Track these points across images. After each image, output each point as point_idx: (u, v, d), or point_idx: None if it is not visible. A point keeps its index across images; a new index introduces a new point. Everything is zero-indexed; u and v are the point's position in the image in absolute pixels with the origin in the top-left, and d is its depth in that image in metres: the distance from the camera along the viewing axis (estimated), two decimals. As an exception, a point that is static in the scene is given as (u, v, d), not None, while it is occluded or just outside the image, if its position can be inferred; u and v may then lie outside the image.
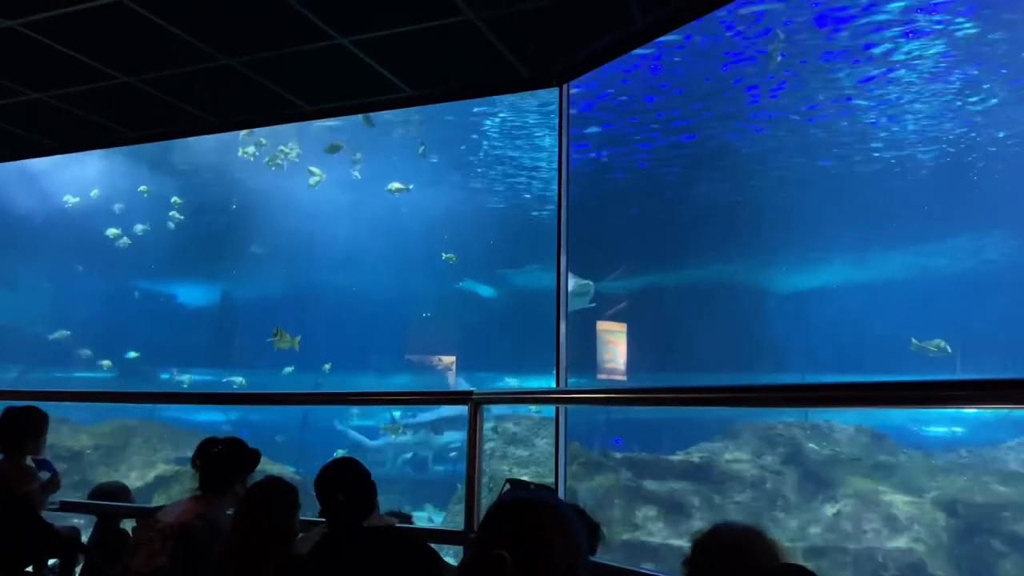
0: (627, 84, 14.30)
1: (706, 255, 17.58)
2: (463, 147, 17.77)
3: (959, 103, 14.23)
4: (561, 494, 3.50)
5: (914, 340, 13.08)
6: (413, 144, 17.07)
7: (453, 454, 18.00)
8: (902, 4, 11.63)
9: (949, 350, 12.85)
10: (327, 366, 18.55)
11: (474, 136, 17.30)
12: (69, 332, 20.00)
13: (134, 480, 12.69)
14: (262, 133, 16.50)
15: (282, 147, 16.94)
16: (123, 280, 21.50)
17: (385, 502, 3.91)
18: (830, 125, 15.26)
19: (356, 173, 17.68)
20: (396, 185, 16.94)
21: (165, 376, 21.09)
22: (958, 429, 16.14)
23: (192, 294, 23.41)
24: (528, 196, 19.92)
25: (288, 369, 18.17)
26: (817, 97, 14.30)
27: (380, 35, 3.85)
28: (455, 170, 18.80)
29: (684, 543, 2.31)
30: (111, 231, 18.68)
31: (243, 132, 15.44)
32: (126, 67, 4.37)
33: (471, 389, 3.84)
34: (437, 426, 18.20)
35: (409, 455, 18.80)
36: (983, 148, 15.35)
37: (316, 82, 4.51)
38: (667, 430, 13.77)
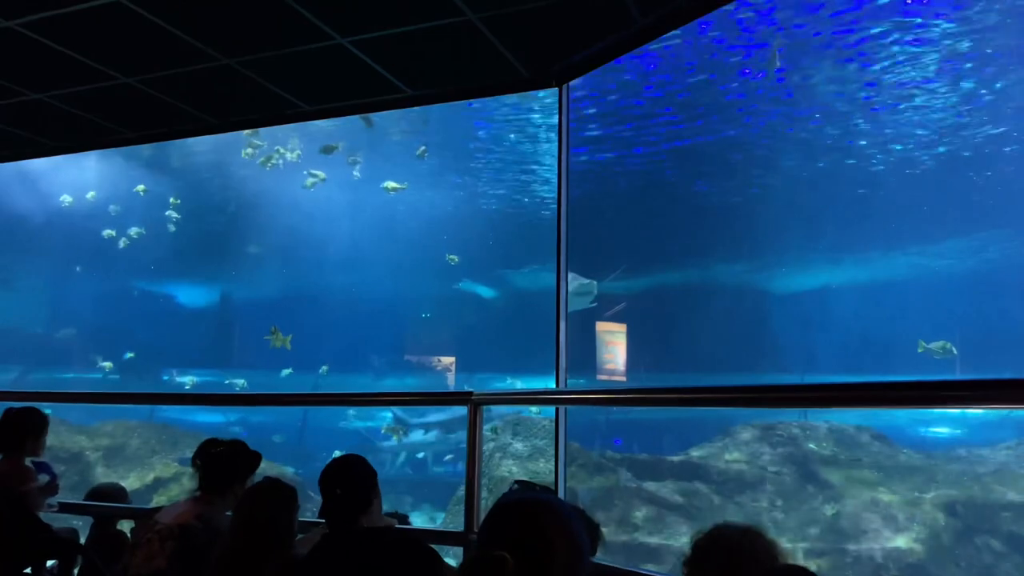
0: (627, 84, 14.29)
1: (706, 255, 17.60)
2: (462, 147, 17.77)
3: (960, 103, 14.23)
4: (561, 494, 3.50)
5: (921, 342, 13.13)
6: (412, 145, 17.07)
7: (450, 456, 18.02)
8: (903, 4, 11.64)
9: (955, 352, 12.90)
10: (324, 368, 18.57)
11: (473, 136, 17.30)
12: (69, 332, 20.00)
13: (133, 481, 12.68)
14: (260, 133, 16.50)
15: (278, 148, 16.95)
16: (122, 280, 21.51)
17: (393, 502, 3.91)
18: (831, 125, 15.26)
19: (356, 173, 17.69)
20: (392, 184, 16.95)
21: (164, 377, 21.10)
22: (958, 429, 16.15)
23: (191, 294, 23.43)
24: (528, 196, 19.91)
25: (286, 371, 18.20)
26: (818, 97, 14.30)
27: (380, 35, 3.85)
28: (454, 170, 18.79)
29: (684, 544, 2.31)
30: (106, 232, 18.69)
31: (247, 132, 15.46)
32: (125, 67, 4.37)
33: (470, 390, 3.84)
34: (449, 426, 18.17)
35: (420, 455, 18.79)
36: (983, 148, 15.35)
37: (316, 82, 4.51)
38: (667, 430, 13.77)
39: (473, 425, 3.68)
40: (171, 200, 18.84)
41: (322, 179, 17.36)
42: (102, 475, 12.87)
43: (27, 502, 3.99)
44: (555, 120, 4.35)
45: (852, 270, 18.01)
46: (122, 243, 18.73)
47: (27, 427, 4.21)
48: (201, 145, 16.65)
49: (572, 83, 4.28)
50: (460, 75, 4.33)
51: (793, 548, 9.59)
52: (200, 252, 20.62)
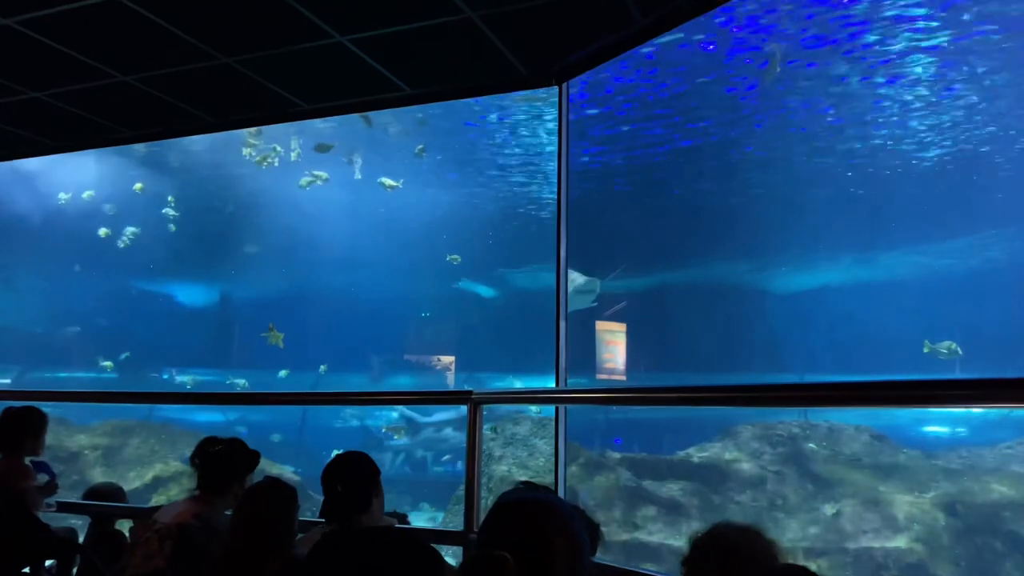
0: (628, 84, 14.29)
1: (707, 255, 17.58)
2: (462, 146, 17.76)
3: (961, 102, 14.22)
4: (561, 494, 3.49)
5: (927, 342, 13.13)
6: (411, 143, 17.07)
7: (450, 455, 18.02)
8: (903, 4, 11.63)
9: (960, 352, 12.91)
10: (323, 367, 18.57)
11: (473, 136, 17.29)
12: (67, 332, 19.99)
13: (132, 481, 12.67)
14: (260, 132, 16.48)
15: (275, 146, 16.94)
16: (121, 280, 21.48)
17: (393, 501, 3.89)
18: (832, 125, 15.26)
19: (357, 174, 17.69)
20: (388, 181, 16.94)
21: (164, 376, 21.08)
22: (958, 429, 16.14)
23: (190, 293, 23.40)
24: (527, 196, 19.90)
25: (283, 372, 18.20)
26: (818, 97, 14.30)
27: (379, 34, 3.84)
28: (454, 170, 18.78)
29: (683, 543, 2.30)
30: (103, 230, 18.67)
31: (247, 131, 15.47)
32: (124, 66, 4.36)
33: (470, 389, 3.84)
34: (448, 425, 18.16)
35: (420, 454, 18.78)
36: (985, 147, 15.34)
37: (315, 81, 4.50)
38: (667, 430, 13.75)
39: (473, 424, 3.68)
40: (168, 199, 18.82)
41: (324, 179, 17.35)
42: (101, 474, 12.85)
43: (26, 501, 3.99)
44: (555, 119, 4.35)
45: (852, 270, 18.00)
46: (121, 243, 18.71)
47: (26, 426, 4.21)
48: (199, 144, 16.63)
49: (572, 82, 4.28)
50: (459, 73, 4.33)
51: (793, 548, 9.59)
52: (199, 251, 20.60)
